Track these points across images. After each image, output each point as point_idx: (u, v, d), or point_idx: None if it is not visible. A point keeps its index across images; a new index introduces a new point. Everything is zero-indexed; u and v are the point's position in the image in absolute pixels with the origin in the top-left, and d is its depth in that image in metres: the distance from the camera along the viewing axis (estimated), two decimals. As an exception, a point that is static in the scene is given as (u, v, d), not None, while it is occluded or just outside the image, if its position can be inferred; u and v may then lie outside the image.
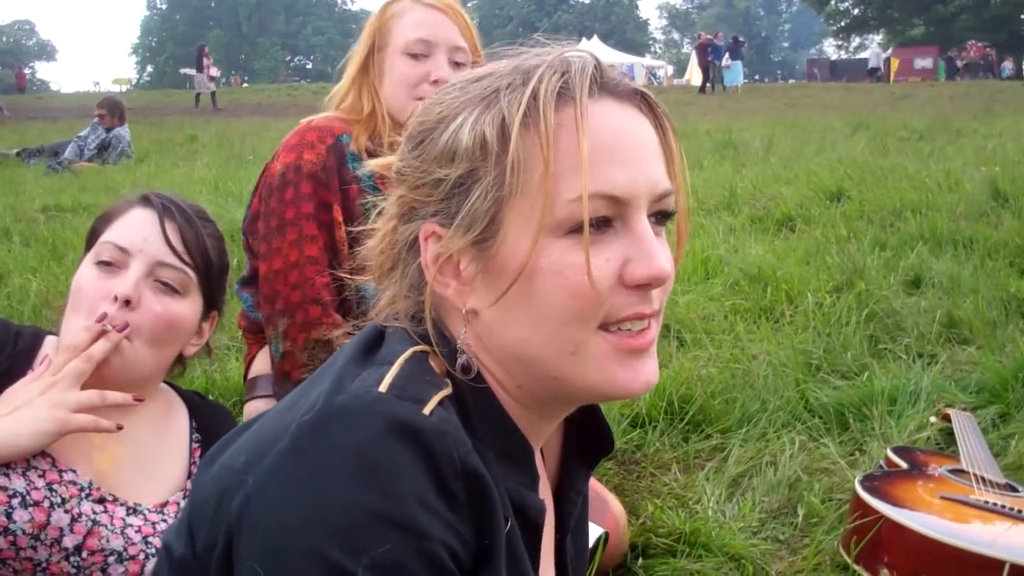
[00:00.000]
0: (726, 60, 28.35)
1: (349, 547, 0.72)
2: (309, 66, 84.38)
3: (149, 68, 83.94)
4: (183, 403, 1.54)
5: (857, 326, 3.50)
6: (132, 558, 1.32)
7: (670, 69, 55.81)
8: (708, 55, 29.01)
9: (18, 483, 1.27)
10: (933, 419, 2.72)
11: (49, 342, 1.44)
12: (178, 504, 1.42)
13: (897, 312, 3.69)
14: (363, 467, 0.74)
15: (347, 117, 2.13)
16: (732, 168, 8.41)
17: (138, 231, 1.42)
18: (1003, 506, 1.99)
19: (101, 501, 1.34)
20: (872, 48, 46.99)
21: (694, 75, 34.86)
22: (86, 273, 1.42)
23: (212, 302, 1.50)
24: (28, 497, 1.27)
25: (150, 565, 1.32)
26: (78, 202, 6.77)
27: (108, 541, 1.31)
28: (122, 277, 1.39)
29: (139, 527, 1.35)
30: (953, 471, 2.18)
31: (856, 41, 67.28)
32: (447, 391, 0.83)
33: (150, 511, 1.38)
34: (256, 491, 0.78)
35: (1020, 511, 1.97)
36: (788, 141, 10.91)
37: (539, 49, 0.89)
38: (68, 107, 24.41)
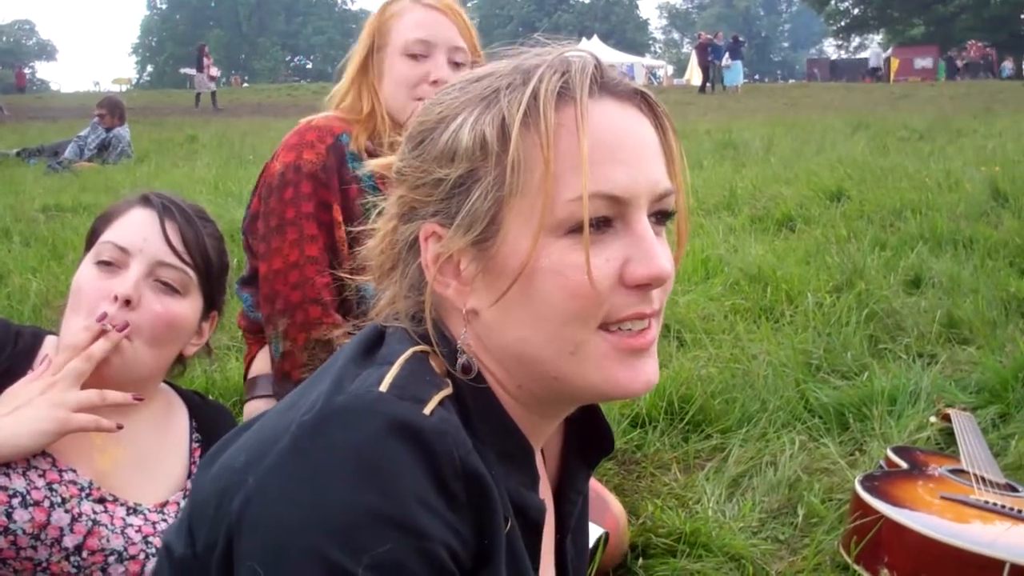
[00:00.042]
0: (726, 60, 28.35)
1: (349, 547, 0.72)
2: (309, 66, 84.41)
3: (149, 68, 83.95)
4: (183, 403, 1.54)
5: (857, 326, 3.50)
6: (132, 558, 1.32)
7: (670, 69, 55.81)
8: (708, 55, 29.01)
9: (18, 483, 1.27)
10: (933, 419, 2.72)
11: (49, 342, 1.44)
12: (178, 504, 1.42)
13: (897, 312, 3.69)
14: (363, 467, 0.74)
15: (347, 117, 2.13)
16: (732, 168, 8.41)
17: (138, 231, 1.42)
18: (1003, 506, 1.99)
19: (101, 501, 1.34)
20: (873, 47, 47.03)
21: (694, 75, 34.86)
22: (86, 273, 1.42)
23: (212, 302, 1.50)
24: (28, 497, 1.27)
25: (150, 565, 1.32)
26: (78, 202, 6.77)
27: (108, 541, 1.31)
28: (122, 277, 1.39)
29: (139, 527, 1.35)
30: (953, 471, 2.18)
31: (856, 41, 67.31)
32: (447, 391, 0.83)
33: (150, 511, 1.38)
34: (256, 491, 0.78)
35: (1020, 511, 1.97)
36: (788, 141, 10.91)
37: (539, 49, 0.89)
38: (68, 107, 24.42)
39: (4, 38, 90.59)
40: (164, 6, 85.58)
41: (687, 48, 74.79)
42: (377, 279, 0.96)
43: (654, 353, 0.87)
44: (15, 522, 1.24)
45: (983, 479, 2.13)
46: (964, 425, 2.52)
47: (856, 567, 1.98)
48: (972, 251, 4.70)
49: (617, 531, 1.99)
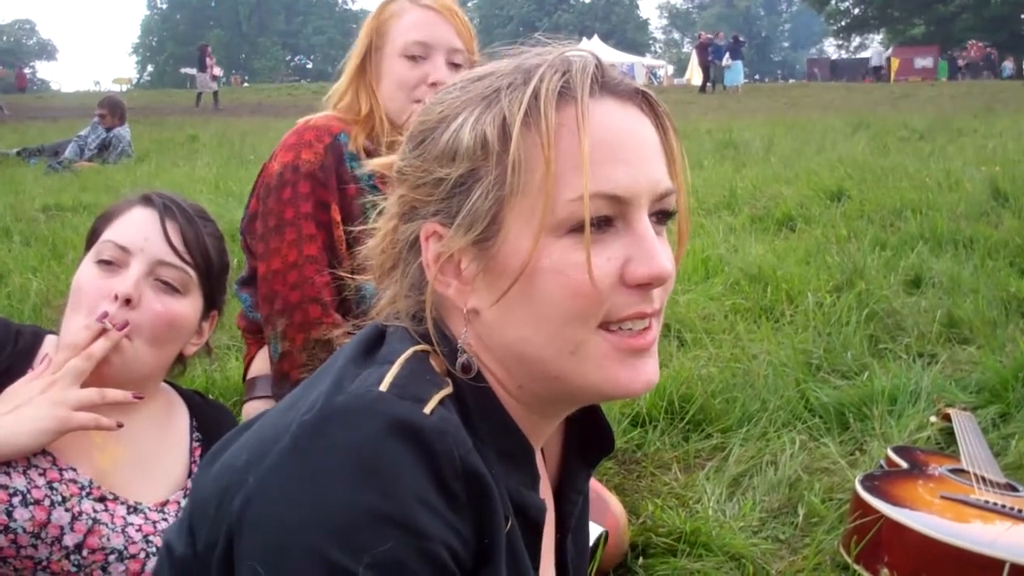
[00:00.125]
0: (726, 60, 28.36)
1: (349, 547, 0.72)
2: (309, 66, 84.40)
3: (149, 68, 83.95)
4: (183, 402, 1.55)
5: (857, 326, 3.50)
6: (133, 557, 1.33)
7: (670, 69, 55.84)
8: (708, 55, 29.02)
9: (19, 481, 1.27)
10: (933, 419, 2.72)
11: (49, 341, 1.44)
12: (178, 503, 1.42)
13: (897, 312, 3.69)
14: (363, 467, 0.74)
15: (345, 117, 2.12)
16: (732, 168, 8.41)
17: (139, 230, 1.42)
18: (1003, 506, 1.99)
19: (102, 500, 1.34)
20: (875, 46, 47.03)
21: (694, 75, 34.88)
22: (86, 272, 1.42)
23: (212, 301, 1.50)
24: (29, 495, 1.27)
25: (151, 564, 1.32)
26: (78, 201, 6.77)
27: (109, 540, 1.31)
28: (123, 276, 1.39)
29: (140, 526, 1.35)
30: (953, 471, 2.18)
31: (856, 41, 67.30)
32: (448, 390, 0.83)
33: (151, 510, 1.38)
34: (257, 490, 0.78)
35: (1020, 511, 1.97)
36: (788, 141, 10.91)
37: (539, 49, 0.89)
38: (68, 107, 24.42)
39: (4, 38, 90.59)
40: (164, 6, 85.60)
41: (687, 48, 74.84)
42: (377, 278, 0.96)
43: (655, 353, 0.87)
44: (15, 520, 1.24)
45: (983, 479, 2.13)
46: (964, 425, 2.52)
47: (856, 567, 1.98)
48: (972, 251, 4.70)
49: (617, 530, 1.99)
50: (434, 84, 2.01)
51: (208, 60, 25.10)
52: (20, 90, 45.87)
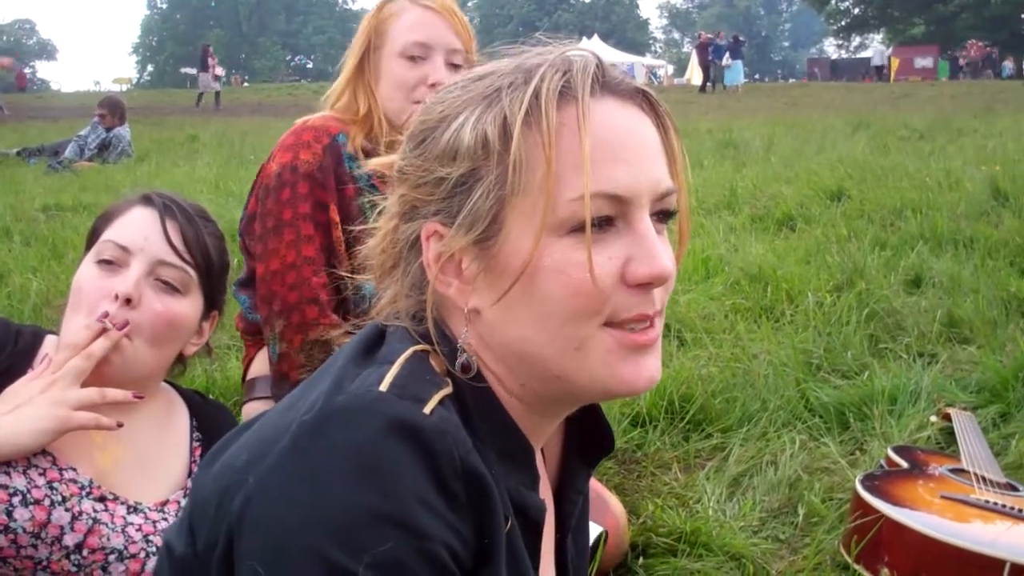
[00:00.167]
0: (727, 59, 28.37)
1: (349, 547, 0.72)
2: (310, 65, 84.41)
3: (149, 67, 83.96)
4: (184, 402, 1.55)
5: (857, 325, 3.50)
6: (133, 556, 1.33)
7: (670, 68, 55.85)
8: (709, 54, 29.02)
9: (19, 481, 1.27)
10: (933, 418, 2.72)
11: (49, 341, 1.44)
12: (179, 503, 1.42)
13: (897, 311, 3.69)
14: (363, 467, 0.74)
15: (343, 117, 2.11)
16: (732, 167, 8.41)
17: (139, 230, 1.42)
18: (1004, 505, 1.99)
19: (102, 499, 1.34)
20: (876, 46, 47.04)
21: (694, 74, 34.89)
22: (87, 272, 1.42)
23: (213, 301, 1.50)
24: (29, 495, 1.27)
25: (151, 564, 1.32)
26: (78, 201, 6.77)
27: (109, 539, 1.31)
28: (123, 276, 1.39)
29: (140, 525, 1.35)
30: (954, 470, 2.18)
31: (856, 40, 67.30)
32: (447, 390, 0.83)
33: (151, 510, 1.38)
34: (257, 490, 0.78)
35: (1021, 510, 1.97)
36: (788, 140, 10.91)
37: (540, 48, 0.89)
38: (68, 106, 24.43)
39: (4, 37, 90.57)
40: (164, 6, 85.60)
41: (687, 48, 74.82)
42: (378, 278, 0.96)
43: (658, 350, 0.87)
44: (15, 520, 1.24)
45: (983, 478, 2.13)
46: (964, 424, 2.52)
47: (856, 566, 1.98)
48: (972, 250, 4.70)
49: (617, 530, 1.99)
50: (433, 85, 2.00)
51: (210, 60, 25.10)
52: (20, 90, 45.86)
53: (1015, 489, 2.12)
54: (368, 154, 2.05)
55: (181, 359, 1.52)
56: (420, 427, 0.76)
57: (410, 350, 0.86)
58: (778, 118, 15.30)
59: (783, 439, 2.62)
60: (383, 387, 0.79)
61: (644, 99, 0.88)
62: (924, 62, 40.61)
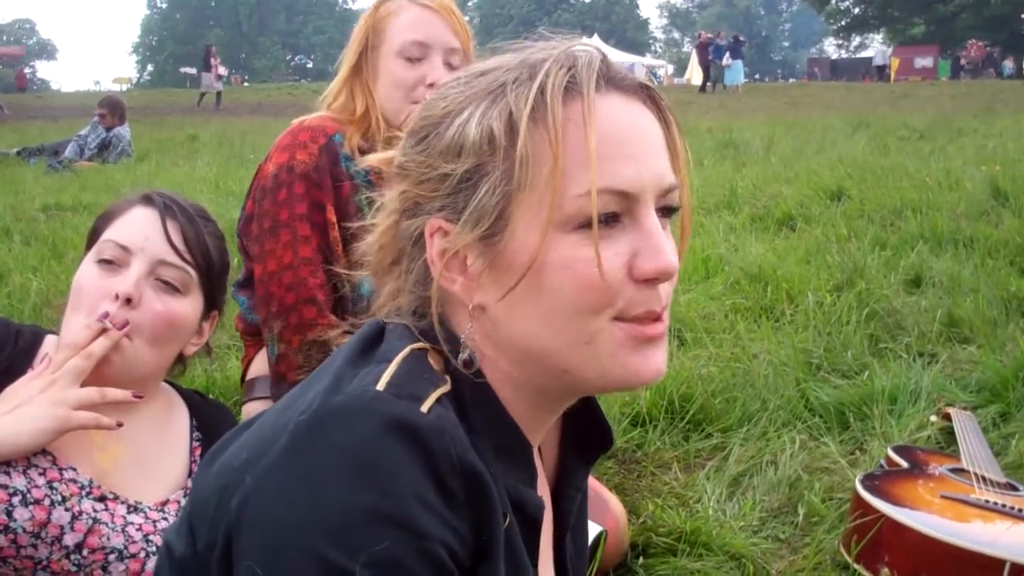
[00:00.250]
0: (727, 59, 28.36)
1: (346, 546, 0.72)
2: (310, 65, 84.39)
3: (149, 67, 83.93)
4: (183, 402, 1.54)
5: (857, 325, 3.50)
6: (133, 556, 1.33)
7: (670, 68, 55.89)
8: (709, 54, 29.02)
9: (19, 481, 1.27)
10: (934, 418, 2.72)
11: (49, 341, 1.44)
12: (179, 503, 1.42)
13: (898, 311, 3.69)
14: (360, 466, 0.74)
15: (339, 117, 2.11)
16: (732, 167, 8.41)
17: (139, 230, 1.42)
18: (1004, 505, 1.99)
19: (102, 499, 1.34)
20: (878, 46, 47.09)
21: (694, 74, 34.88)
22: (87, 271, 1.42)
23: (213, 301, 1.50)
24: (29, 495, 1.27)
25: (151, 563, 1.32)
26: (78, 201, 6.77)
27: (109, 539, 1.31)
28: (123, 275, 1.39)
29: (140, 525, 1.35)
30: (954, 470, 2.18)
31: (856, 40, 67.31)
32: (445, 388, 0.83)
33: (151, 509, 1.38)
34: (255, 490, 0.78)
35: (1021, 510, 1.97)
36: (788, 140, 10.91)
37: (543, 44, 0.89)
38: (68, 106, 24.42)
39: (4, 37, 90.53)
40: (164, 5, 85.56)
41: (687, 47, 74.81)
42: (376, 275, 0.96)
43: (664, 343, 0.88)
44: (15, 520, 1.24)
45: (983, 478, 2.13)
46: (964, 424, 2.52)
47: (856, 566, 1.98)
48: (972, 250, 4.70)
49: (617, 530, 1.99)
50: (431, 85, 2.00)
51: (213, 60, 25.09)
52: (20, 90, 45.86)
53: (1015, 489, 2.12)
54: (365, 154, 2.05)
55: (181, 359, 1.52)
56: (417, 426, 0.76)
57: (407, 348, 0.85)
58: (778, 118, 15.30)
59: (783, 439, 2.62)
60: (380, 386, 0.79)
61: (647, 95, 0.88)
62: (924, 62, 40.62)
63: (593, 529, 1.84)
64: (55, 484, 1.30)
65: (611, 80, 0.85)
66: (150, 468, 1.43)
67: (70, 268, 3.22)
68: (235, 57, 78.55)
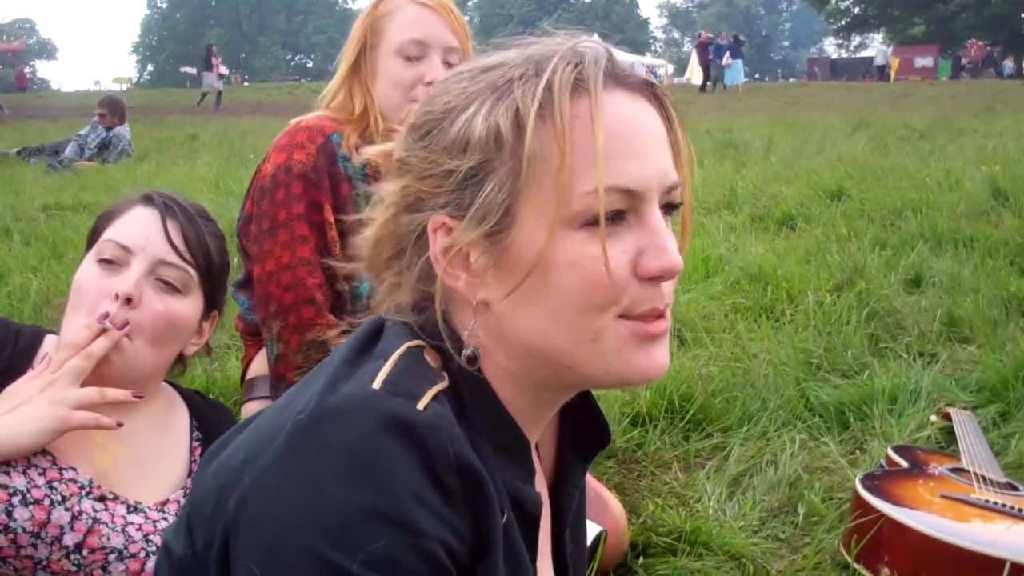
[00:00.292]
0: (727, 59, 28.36)
1: (343, 545, 0.72)
2: (310, 65, 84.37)
3: (149, 67, 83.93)
4: (183, 402, 1.54)
5: (858, 325, 3.50)
6: (133, 556, 1.33)
7: (670, 68, 55.87)
8: (709, 54, 29.02)
9: (18, 481, 1.27)
10: (934, 418, 2.72)
11: (49, 341, 1.44)
12: (178, 502, 1.42)
13: (898, 311, 3.69)
14: (357, 465, 0.74)
15: (337, 117, 2.11)
16: (732, 167, 8.41)
17: (140, 229, 1.42)
18: (1004, 505, 1.99)
19: (102, 499, 1.34)
20: (878, 46, 47.10)
21: (694, 74, 34.88)
22: (87, 271, 1.41)
23: (213, 301, 1.50)
24: (28, 495, 1.27)
25: (151, 563, 1.32)
26: (78, 201, 6.77)
27: (109, 539, 1.31)
28: (123, 275, 1.39)
29: (140, 525, 1.35)
30: (954, 470, 2.18)
31: (856, 40, 67.31)
32: (442, 385, 0.83)
33: (151, 509, 1.38)
34: (252, 490, 0.78)
35: (1021, 510, 1.97)
36: (788, 140, 10.91)
37: (546, 39, 0.88)
38: (68, 106, 24.42)
39: (4, 37, 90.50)
40: (164, 5, 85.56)
41: (687, 47, 74.79)
42: (372, 269, 0.95)
43: (667, 339, 0.88)
44: (15, 520, 1.24)
45: (983, 478, 2.13)
46: (964, 424, 2.52)
47: (856, 566, 1.98)
48: (972, 250, 4.70)
49: (617, 531, 1.99)
50: (430, 84, 2.00)
51: (214, 60, 25.08)
52: (20, 89, 45.86)
53: (1015, 488, 2.12)
54: None
55: (181, 359, 1.52)
56: (413, 423, 0.76)
57: (404, 346, 0.85)
58: (778, 118, 15.30)
59: (783, 439, 2.62)
60: (376, 385, 0.79)
61: (651, 91, 0.88)
62: (924, 61, 40.65)
63: (593, 529, 1.84)
64: (55, 484, 1.30)
65: (616, 77, 0.85)
66: (150, 468, 1.43)
67: (70, 268, 3.21)
68: (235, 57, 78.49)
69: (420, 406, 0.78)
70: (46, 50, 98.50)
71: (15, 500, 1.25)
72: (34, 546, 1.26)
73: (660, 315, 0.86)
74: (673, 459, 2.56)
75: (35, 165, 9.81)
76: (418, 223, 0.88)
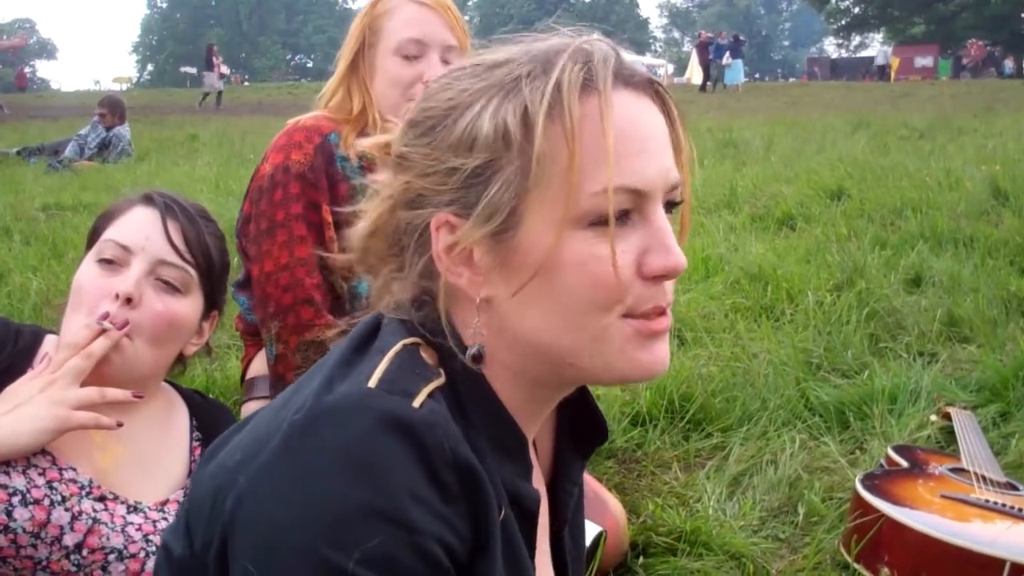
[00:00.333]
0: (727, 58, 28.35)
1: (339, 544, 0.72)
2: (310, 64, 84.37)
3: (149, 67, 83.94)
4: (183, 402, 1.54)
5: (858, 325, 3.50)
6: (133, 556, 1.33)
7: (671, 68, 55.86)
8: (709, 53, 29.02)
9: (18, 481, 1.27)
10: (934, 418, 2.72)
11: (49, 341, 1.44)
12: (178, 502, 1.42)
13: (898, 311, 3.69)
14: (353, 464, 0.74)
15: (335, 116, 2.10)
16: (733, 167, 8.40)
17: (140, 229, 1.42)
18: (1004, 505, 1.99)
19: (101, 499, 1.34)
20: (879, 46, 47.11)
21: (695, 74, 34.87)
22: (87, 271, 1.41)
23: (213, 301, 1.50)
24: (28, 495, 1.27)
25: (150, 563, 1.32)
26: (78, 201, 6.77)
27: (108, 539, 1.31)
28: (123, 275, 1.39)
29: (139, 525, 1.35)
30: (954, 470, 2.18)
31: (856, 40, 67.31)
32: (439, 382, 0.83)
33: (151, 509, 1.38)
34: (248, 490, 0.78)
35: (1021, 510, 1.97)
36: (788, 140, 10.90)
37: (549, 36, 0.88)
38: (68, 106, 24.40)
39: (4, 37, 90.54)
40: (164, 5, 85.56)
41: (687, 47, 74.78)
42: (365, 262, 0.94)
43: (667, 337, 0.88)
44: (15, 520, 1.24)
45: (984, 478, 2.13)
46: (965, 424, 2.52)
47: (856, 566, 1.98)
48: (972, 250, 4.70)
49: (617, 531, 1.99)
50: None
51: (215, 60, 25.08)
52: (20, 89, 45.86)
53: (1015, 488, 2.12)
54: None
55: (181, 359, 1.52)
56: (409, 421, 0.76)
57: (399, 344, 0.85)
58: (778, 117, 15.29)
59: (783, 438, 2.62)
60: (372, 383, 0.79)
61: (654, 90, 0.88)
62: (924, 61, 40.67)
63: (593, 529, 1.84)
64: (55, 484, 1.30)
65: (622, 76, 0.85)
66: (150, 468, 1.43)
67: (70, 268, 3.22)
68: (235, 56, 78.45)
69: (416, 403, 0.78)
70: (46, 50, 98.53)
71: (15, 500, 1.25)
72: (34, 546, 1.26)
73: (662, 312, 0.86)
74: (673, 459, 2.56)
75: (35, 165, 9.81)
76: (419, 220, 0.87)
